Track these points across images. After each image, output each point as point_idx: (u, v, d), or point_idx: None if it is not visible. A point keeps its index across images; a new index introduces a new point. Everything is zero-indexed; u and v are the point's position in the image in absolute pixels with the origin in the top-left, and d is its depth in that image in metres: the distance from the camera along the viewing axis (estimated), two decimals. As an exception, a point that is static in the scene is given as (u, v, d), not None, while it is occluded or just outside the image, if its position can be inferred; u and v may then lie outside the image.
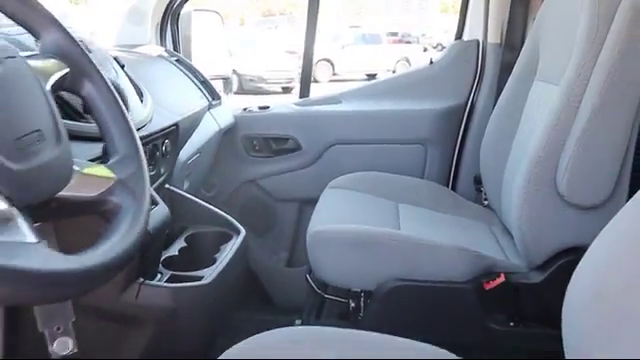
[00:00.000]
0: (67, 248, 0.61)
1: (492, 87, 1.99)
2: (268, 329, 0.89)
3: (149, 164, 1.16)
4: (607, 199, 1.25)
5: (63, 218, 0.67)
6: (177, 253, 1.17)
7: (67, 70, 0.72)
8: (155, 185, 1.22)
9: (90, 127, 0.90)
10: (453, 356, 0.88)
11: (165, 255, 1.14)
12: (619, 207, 0.75)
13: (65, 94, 0.89)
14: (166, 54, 1.93)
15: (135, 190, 0.69)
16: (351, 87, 2.24)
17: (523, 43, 1.76)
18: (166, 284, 1.01)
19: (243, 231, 1.27)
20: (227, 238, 1.26)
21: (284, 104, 2.18)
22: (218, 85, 2.16)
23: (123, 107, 0.76)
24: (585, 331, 0.77)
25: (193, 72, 1.94)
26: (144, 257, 0.95)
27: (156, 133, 1.24)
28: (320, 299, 1.60)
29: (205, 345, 1.16)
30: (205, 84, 1.95)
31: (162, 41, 2.11)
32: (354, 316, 1.42)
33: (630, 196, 0.76)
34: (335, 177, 1.87)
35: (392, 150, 2.08)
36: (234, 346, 0.88)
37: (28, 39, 1.09)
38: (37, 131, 0.60)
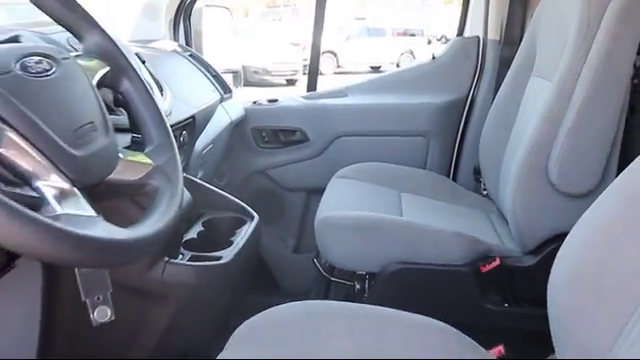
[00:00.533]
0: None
1: (491, 82, 2.07)
2: None
3: None
4: (595, 188, 1.34)
5: (111, 199, 0.76)
6: (196, 236, 1.25)
7: (108, 69, 0.81)
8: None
9: (119, 119, 0.99)
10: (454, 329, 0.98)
11: (185, 238, 1.23)
12: None
13: None
14: (180, 49, 2.01)
15: (170, 175, 0.79)
16: (356, 81, 2.31)
17: (521, 40, 1.82)
18: (189, 263, 1.10)
19: (256, 216, 1.36)
20: (241, 223, 1.34)
21: (292, 97, 2.26)
22: (228, 78, 2.24)
23: (156, 101, 0.85)
24: (564, 307, 0.86)
25: (205, 66, 2.01)
26: (169, 238, 1.05)
27: (175, 125, 1.33)
28: (326, 282, 1.69)
29: (222, 320, 1.25)
30: (217, 78, 2.02)
31: (175, 36, 2.18)
32: (359, 298, 1.50)
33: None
34: (341, 167, 1.95)
35: (395, 142, 2.16)
36: (251, 318, 0.98)
37: (61, 37, 1.19)
38: (90, 123, 0.69)
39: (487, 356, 0.97)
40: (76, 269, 0.79)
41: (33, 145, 0.60)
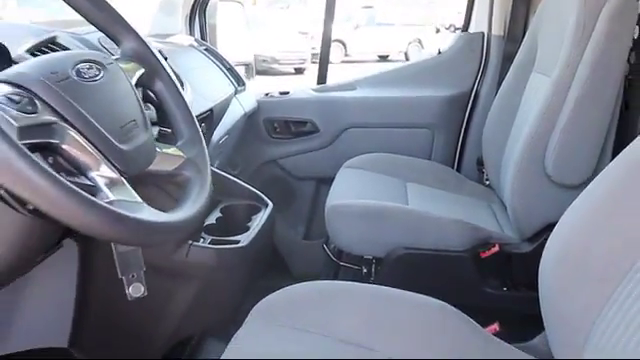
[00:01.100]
0: None
1: (495, 76, 2.15)
2: None
3: None
4: (588, 179, 1.41)
5: (150, 187, 0.85)
6: (215, 222, 1.35)
7: (143, 70, 0.90)
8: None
9: (148, 114, 1.08)
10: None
11: (205, 223, 1.33)
12: None
13: None
14: (196, 43, 2.09)
15: (200, 166, 0.88)
16: (365, 74, 2.39)
17: (524, 36, 1.88)
18: (210, 245, 1.20)
19: (270, 204, 1.45)
20: (257, 210, 1.44)
21: (303, 90, 2.34)
22: (240, 70, 2.33)
23: (186, 100, 0.95)
24: (552, 288, 0.95)
25: (220, 60, 2.10)
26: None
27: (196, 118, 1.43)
28: (335, 266, 1.78)
29: (239, 300, 1.35)
30: (231, 71, 2.11)
31: (191, 31, 2.27)
32: (366, 281, 1.58)
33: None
34: (349, 158, 2.03)
35: (402, 134, 2.24)
36: (268, 296, 1.07)
37: (92, 37, 1.28)
38: (133, 120, 0.78)
39: (483, 333, 1.06)
40: (114, 250, 0.89)
41: (89, 141, 0.69)
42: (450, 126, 2.24)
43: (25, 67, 0.72)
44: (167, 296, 1.19)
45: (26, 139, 0.59)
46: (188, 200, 0.80)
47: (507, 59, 2.04)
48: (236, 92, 2.03)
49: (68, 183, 0.58)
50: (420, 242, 1.52)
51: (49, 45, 1.16)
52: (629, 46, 1.36)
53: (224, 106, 1.81)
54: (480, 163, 2.05)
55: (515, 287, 1.53)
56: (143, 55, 0.91)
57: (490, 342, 1.04)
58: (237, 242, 1.23)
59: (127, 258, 0.90)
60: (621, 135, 1.47)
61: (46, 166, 0.56)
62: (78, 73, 0.74)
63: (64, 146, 0.67)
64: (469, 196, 1.86)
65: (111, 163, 0.71)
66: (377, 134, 2.25)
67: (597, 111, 1.38)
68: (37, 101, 0.67)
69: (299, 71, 12.12)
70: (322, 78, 2.39)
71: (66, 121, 0.68)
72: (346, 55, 13.32)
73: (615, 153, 1.45)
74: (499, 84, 1.99)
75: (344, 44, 13.33)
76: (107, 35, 0.92)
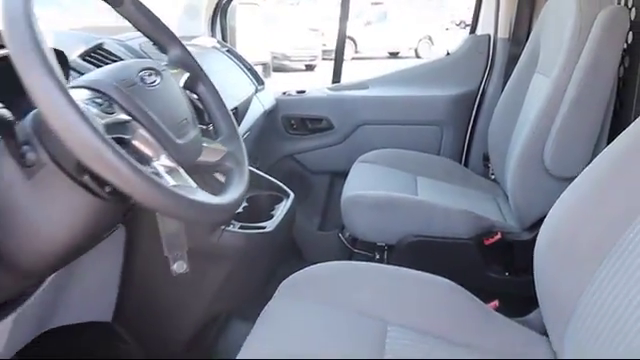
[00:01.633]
0: None
1: (500, 77, 2.27)
2: None
3: None
4: None
5: (198, 175, 0.98)
6: (242, 210, 1.48)
7: (188, 75, 1.04)
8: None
9: None
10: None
11: (235, 211, 1.46)
12: None
13: None
14: (218, 45, 2.22)
15: (239, 158, 1.01)
16: (377, 74, 2.51)
17: (528, 38, 1.99)
18: (239, 230, 1.33)
19: (292, 194, 1.57)
20: (279, 200, 1.57)
21: (319, 89, 2.47)
22: (258, 69, 2.45)
23: (223, 101, 1.08)
24: (544, 270, 1.09)
25: (241, 60, 2.22)
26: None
27: None
28: (349, 254, 1.91)
29: (264, 281, 1.48)
30: (251, 71, 2.23)
31: (213, 33, 2.40)
32: (379, 266, 1.74)
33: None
34: (362, 153, 2.15)
35: (412, 130, 2.37)
36: (293, 274, 1.20)
37: (134, 43, 1.42)
38: (185, 119, 0.92)
39: (485, 307, 1.19)
40: (161, 231, 1.03)
41: (153, 136, 0.83)
42: (458, 123, 2.36)
43: (99, 74, 0.86)
44: (201, 276, 1.32)
45: (108, 134, 0.73)
46: (231, 187, 0.94)
47: (512, 60, 2.16)
48: (256, 91, 2.15)
49: (145, 170, 0.71)
50: (429, 230, 1.65)
51: (97, 51, 1.30)
52: (621, 51, 1.47)
53: (246, 105, 1.94)
54: (486, 158, 2.17)
55: (516, 272, 1.65)
56: (187, 62, 1.05)
57: (491, 315, 1.17)
58: (263, 228, 1.36)
59: (173, 239, 1.03)
60: (615, 131, 1.58)
61: (129, 157, 0.69)
62: (141, 79, 0.88)
63: (134, 141, 0.80)
64: (475, 189, 1.98)
65: (170, 154, 0.84)
66: (389, 131, 2.38)
67: (591, 110, 1.49)
68: (114, 103, 0.81)
69: (310, 68, 12.13)
70: (337, 77, 2.52)
71: (136, 120, 0.81)
72: (356, 52, 13.31)
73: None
74: (504, 84, 2.10)
75: (354, 41, 13.29)
76: (156, 44, 1.05)
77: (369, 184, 1.84)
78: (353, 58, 12.61)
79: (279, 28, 11.61)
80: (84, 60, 1.26)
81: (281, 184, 1.61)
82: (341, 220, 1.81)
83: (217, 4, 2.37)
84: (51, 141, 0.79)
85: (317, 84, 2.54)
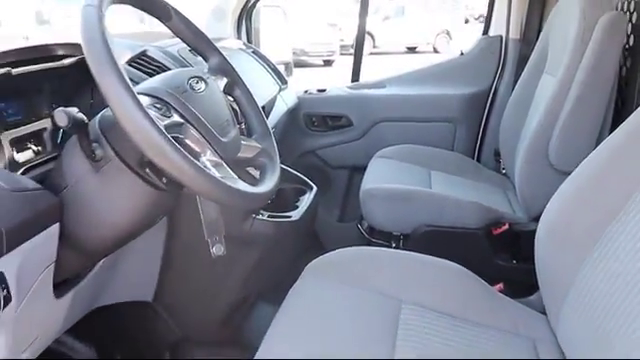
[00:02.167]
0: None
1: (511, 76, 2.37)
2: None
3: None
4: None
5: (237, 169, 1.11)
6: (270, 201, 1.61)
7: (226, 80, 1.17)
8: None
9: None
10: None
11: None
12: None
13: None
14: (244, 46, 2.34)
15: (271, 154, 1.15)
16: (394, 74, 2.63)
17: (538, 39, 2.09)
18: (268, 219, 1.47)
19: (315, 187, 1.71)
20: (303, 192, 1.70)
21: (339, 87, 2.59)
22: (280, 68, 2.57)
23: (257, 103, 1.22)
24: (543, 256, 1.20)
25: (266, 61, 2.34)
26: None
27: None
28: (367, 243, 2.04)
29: (290, 266, 1.61)
30: (275, 71, 2.35)
31: (239, 35, 2.53)
32: (395, 255, 1.86)
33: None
34: (380, 149, 2.28)
35: (427, 127, 2.48)
36: (319, 257, 1.34)
37: (173, 49, 1.56)
38: (227, 120, 1.05)
39: (491, 289, 1.31)
40: (202, 218, 1.16)
41: (202, 135, 0.96)
42: (471, 120, 2.47)
43: (155, 83, 0.99)
44: (233, 260, 1.45)
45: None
46: (265, 179, 1.07)
47: (522, 60, 2.25)
48: (280, 90, 2.28)
49: (199, 165, 0.85)
50: (441, 220, 1.77)
51: (141, 57, 1.44)
52: (620, 53, 1.58)
53: (272, 103, 2.07)
54: (497, 154, 2.29)
55: (523, 260, 1.77)
56: (225, 68, 1.18)
57: (495, 296, 1.29)
58: (289, 217, 1.50)
59: (212, 225, 1.17)
60: (616, 129, 1.69)
61: (185, 153, 0.83)
62: (190, 86, 1.01)
63: (186, 140, 0.94)
64: (485, 182, 2.10)
65: (215, 151, 0.98)
66: (405, 128, 2.49)
67: (592, 109, 1.60)
68: (170, 108, 0.95)
69: (328, 63, 12.20)
70: (356, 76, 2.64)
71: (188, 122, 0.95)
72: (374, 47, 13.34)
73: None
74: (515, 83, 2.20)
75: (372, 36, 13.29)
76: (198, 53, 1.18)
77: (386, 178, 1.97)
78: (371, 53, 12.53)
79: (297, 23, 11.66)
80: (130, 66, 1.40)
81: (305, 178, 1.74)
82: (359, 212, 1.94)
83: (243, 7, 2.49)
84: (116, 139, 0.94)
85: (336, 80, 2.66)
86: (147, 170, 0.95)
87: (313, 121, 2.58)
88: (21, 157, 1.04)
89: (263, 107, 1.84)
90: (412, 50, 14.33)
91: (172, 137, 0.85)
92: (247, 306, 1.73)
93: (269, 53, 2.48)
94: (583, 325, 1.02)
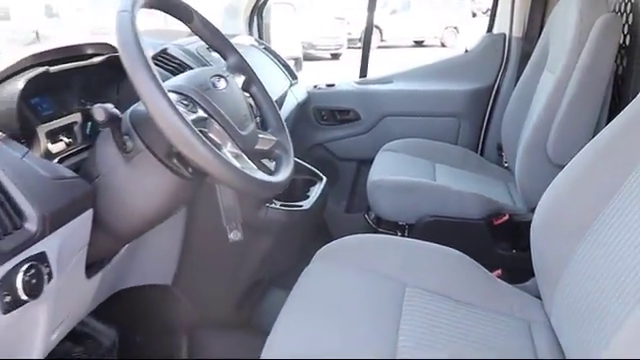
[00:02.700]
0: None
1: (514, 73, 2.45)
2: None
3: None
4: None
5: (255, 160, 1.20)
6: (281, 191, 1.70)
7: (244, 78, 1.26)
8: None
9: None
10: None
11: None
12: None
13: None
14: (256, 43, 2.42)
15: (286, 147, 1.23)
16: (400, 70, 2.71)
17: (539, 38, 2.16)
18: (282, 208, 1.56)
19: (324, 179, 1.79)
20: (313, 183, 1.78)
21: (347, 83, 2.68)
22: (290, 63, 2.65)
23: (272, 98, 1.30)
24: (538, 244, 1.28)
25: (276, 57, 2.42)
26: None
27: None
28: (374, 232, 2.12)
29: (300, 253, 1.70)
30: (286, 67, 2.43)
31: (251, 31, 2.61)
32: (400, 243, 1.94)
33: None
34: (387, 142, 2.36)
35: (432, 122, 2.56)
36: (328, 244, 1.42)
37: (192, 47, 1.64)
38: (245, 114, 1.14)
39: (489, 275, 1.39)
40: (221, 205, 1.25)
41: (223, 129, 1.05)
42: (474, 115, 2.55)
43: (181, 81, 1.08)
44: (248, 246, 1.53)
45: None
46: (280, 170, 1.16)
47: (525, 57, 2.33)
48: (290, 85, 2.36)
49: (222, 156, 0.94)
50: (444, 211, 1.86)
51: (162, 55, 1.53)
52: (615, 53, 1.65)
53: (283, 98, 2.16)
54: (500, 148, 2.36)
55: (522, 249, 1.84)
56: (243, 67, 1.27)
57: (493, 281, 1.37)
58: (301, 206, 1.59)
59: (230, 212, 1.26)
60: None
61: (212, 146, 0.92)
62: (213, 84, 1.10)
63: (210, 133, 1.03)
64: (488, 175, 2.18)
65: (236, 143, 1.06)
66: (411, 122, 2.57)
67: (588, 107, 1.68)
68: (196, 104, 1.04)
69: (335, 57, 12.21)
70: (364, 72, 2.72)
71: (211, 117, 1.04)
72: (382, 40, 13.31)
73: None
74: (517, 80, 2.27)
75: (380, 30, 13.23)
76: (217, 52, 1.27)
77: (392, 170, 2.05)
78: (379, 47, 12.53)
79: (305, 17, 11.67)
80: (152, 63, 1.49)
81: (315, 169, 1.82)
82: (366, 203, 2.02)
83: (254, 5, 2.57)
84: (146, 132, 1.03)
85: (343, 74, 2.73)
86: (174, 161, 1.04)
87: (322, 115, 2.66)
88: (54, 148, 1.13)
89: (275, 101, 1.93)
90: (419, 44, 14.32)
91: (198, 131, 0.94)
92: (260, 290, 1.82)
93: (279, 49, 2.56)
94: (573, 308, 1.09)
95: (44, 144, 1.11)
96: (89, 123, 1.23)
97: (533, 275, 1.33)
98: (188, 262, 1.58)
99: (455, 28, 14.36)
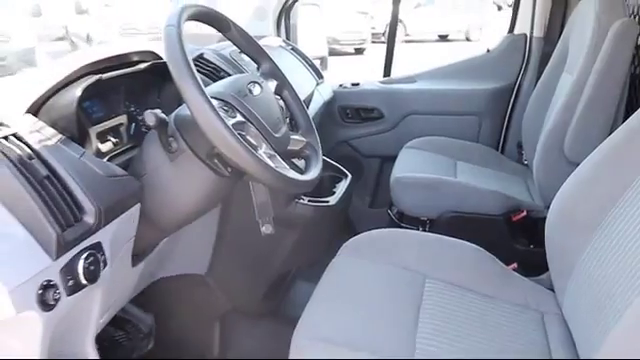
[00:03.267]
0: None
1: (534, 73, 2.50)
2: None
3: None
4: None
5: (286, 160, 1.30)
6: (310, 189, 1.79)
7: (276, 83, 1.36)
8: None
9: None
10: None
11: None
12: None
13: None
14: (284, 44, 2.51)
15: (315, 147, 1.33)
16: (424, 69, 2.78)
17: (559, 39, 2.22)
18: (309, 203, 1.65)
19: (350, 175, 1.87)
20: (339, 180, 1.86)
21: (371, 82, 2.76)
22: (316, 62, 2.73)
23: (302, 101, 1.40)
24: (552, 239, 1.35)
25: (304, 57, 2.51)
26: None
27: None
28: (396, 227, 2.21)
29: (324, 248, 1.79)
30: (312, 67, 2.52)
31: (278, 32, 2.70)
32: (421, 238, 2.02)
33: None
34: (409, 140, 2.44)
35: (454, 120, 2.63)
36: (353, 237, 1.51)
37: (226, 52, 1.74)
38: (278, 117, 1.24)
39: (505, 268, 1.47)
40: (254, 201, 1.35)
41: (259, 131, 1.15)
42: (495, 114, 2.61)
43: (220, 88, 1.18)
44: (277, 239, 1.61)
45: None
46: (310, 168, 1.26)
47: (545, 58, 2.38)
48: (317, 84, 2.44)
49: (259, 156, 1.04)
50: (464, 207, 1.93)
51: (199, 60, 1.62)
52: (630, 57, 1.71)
53: (310, 97, 2.24)
54: (520, 146, 2.42)
55: (539, 244, 1.89)
56: (275, 73, 1.37)
57: (509, 274, 1.45)
58: (327, 202, 1.68)
59: (263, 207, 1.36)
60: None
61: (250, 148, 1.02)
62: (249, 90, 1.20)
63: (247, 136, 1.13)
64: (507, 173, 2.25)
65: (270, 145, 1.16)
66: (433, 120, 2.64)
67: (603, 108, 1.74)
68: (235, 109, 1.13)
69: (359, 51, 12.23)
70: (387, 72, 2.80)
71: (249, 121, 1.14)
72: (406, 35, 13.30)
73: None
74: (538, 79, 2.33)
75: (404, 24, 13.05)
76: (251, 58, 1.37)
77: (415, 167, 2.13)
78: (403, 41, 12.56)
79: (329, 12, 11.65)
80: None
81: (341, 166, 1.91)
82: (390, 198, 2.11)
83: (282, 6, 2.66)
84: (189, 134, 1.13)
85: (367, 71, 2.79)
86: (215, 161, 1.14)
87: (347, 113, 2.74)
88: (104, 147, 1.24)
89: (303, 101, 2.02)
90: (444, 38, 14.25)
91: (237, 134, 1.03)
92: (287, 282, 1.92)
93: (306, 48, 2.63)
94: (584, 300, 1.17)
95: (95, 144, 1.21)
96: (133, 124, 1.34)
97: (547, 269, 1.39)
98: (221, 254, 1.68)
99: (480, 22, 14.23)
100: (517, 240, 1.94)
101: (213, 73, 1.59)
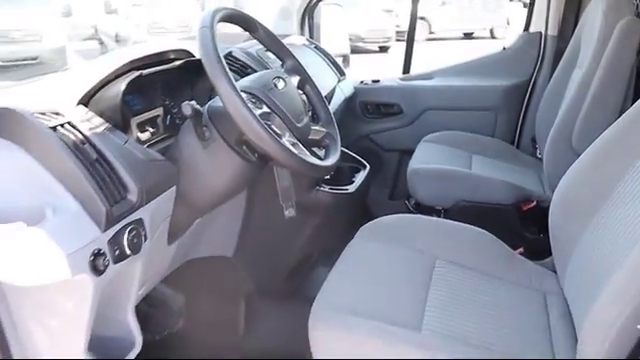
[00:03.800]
0: None
1: (549, 69, 2.57)
2: None
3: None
4: None
5: (309, 147, 1.41)
6: (330, 177, 1.90)
7: (299, 78, 1.48)
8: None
9: None
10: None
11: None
12: None
13: None
14: (307, 42, 2.60)
15: (334, 137, 1.44)
16: (441, 67, 2.88)
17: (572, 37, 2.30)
18: (329, 190, 1.76)
19: (368, 166, 1.99)
20: (357, 170, 1.98)
21: (391, 79, 2.86)
22: (338, 60, 2.81)
23: (323, 96, 1.52)
24: (554, 224, 1.44)
25: (326, 55, 2.60)
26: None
27: None
28: (413, 215, 2.31)
29: (344, 233, 1.89)
30: (335, 64, 2.62)
31: (302, 31, 2.80)
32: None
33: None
34: (427, 134, 2.53)
35: (470, 115, 2.71)
36: (371, 221, 1.62)
37: (252, 50, 1.86)
38: (300, 110, 1.36)
39: (512, 252, 1.56)
40: (278, 186, 1.47)
41: (283, 122, 1.27)
42: (510, 110, 2.69)
43: (248, 82, 1.30)
44: (300, 224, 1.73)
45: None
46: (329, 156, 1.38)
47: (559, 55, 2.45)
48: (339, 81, 2.54)
49: (283, 144, 1.16)
50: (477, 197, 2.03)
51: (228, 57, 1.75)
52: (635, 54, 1.79)
53: (332, 92, 2.35)
54: (534, 140, 2.50)
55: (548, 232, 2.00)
56: (298, 69, 1.49)
57: (515, 257, 1.54)
58: (346, 190, 1.79)
59: (286, 192, 1.48)
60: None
61: (275, 136, 1.14)
62: (274, 85, 1.32)
63: (272, 125, 1.25)
64: (521, 166, 2.33)
65: (293, 133, 1.28)
66: (450, 115, 2.73)
67: (609, 102, 1.82)
68: (261, 102, 1.26)
69: (383, 49, 12.17)
70: (407, 69, 2.90)
71: (274, 112, 1.26)
72: (430, 32, 13.15)
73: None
74: (551, 76, 2.41)
75: (428, 22, 13.07)
76: (277, 56, 1.49)
77: (431, 160, 2.23)
78: (427, 39, 12.45)
79: (353, 9, 11.56)
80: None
81: (359, 158, 2.02)
82: (407, 190, 2.21)
83: (306, 6, 2.76)
84: (220, 124, 1.25)
85: (389, 70, 2.89)
86: (244, 148, 1.26)
87: (368, 108, 2.84)
88: (143, 136, 1.37)
89: (325, 96, 2.13)
90: (468, 36, 14.15)
91: (264, 123, 1.16)
92: (308, 266, 2.03)
93: (329, 47, 2.73)
94: (582, 280, 1.26)
95: (136, 133, 1.34)
96: (169, 116, 1.47)
97: (552, 254, 1.48)
98: (247, 237, 1.80)
99: (506, 20, 14.05)
100: (527, 228, 2.03)
101: (241, 69, 1.72)
